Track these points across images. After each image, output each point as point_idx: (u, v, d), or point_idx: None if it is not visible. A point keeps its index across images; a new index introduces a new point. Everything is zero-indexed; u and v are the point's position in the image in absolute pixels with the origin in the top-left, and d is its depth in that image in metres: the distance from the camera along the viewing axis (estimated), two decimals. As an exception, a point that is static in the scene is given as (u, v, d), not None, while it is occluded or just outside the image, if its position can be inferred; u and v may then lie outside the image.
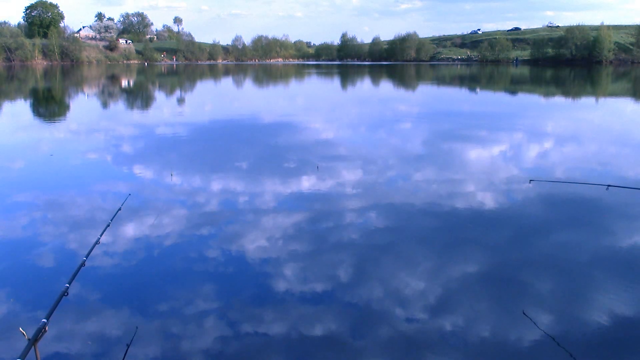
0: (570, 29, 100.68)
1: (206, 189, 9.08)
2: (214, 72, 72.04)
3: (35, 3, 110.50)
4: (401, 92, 38.90)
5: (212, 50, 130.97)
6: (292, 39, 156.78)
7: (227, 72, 74.64)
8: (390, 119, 20.12)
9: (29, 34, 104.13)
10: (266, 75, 62.01)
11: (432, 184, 9.41)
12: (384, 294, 5.16)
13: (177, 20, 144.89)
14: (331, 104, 27.42)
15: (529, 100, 30.06)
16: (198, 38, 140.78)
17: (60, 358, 4.13)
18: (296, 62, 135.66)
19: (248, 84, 47.85)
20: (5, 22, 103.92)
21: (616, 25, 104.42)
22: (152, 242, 6.53)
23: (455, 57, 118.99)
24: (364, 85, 46.43)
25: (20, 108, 25.74)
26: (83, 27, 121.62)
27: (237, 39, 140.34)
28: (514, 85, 43.18)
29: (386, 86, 45.43)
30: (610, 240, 6.69)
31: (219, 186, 9.30)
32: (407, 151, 12.88)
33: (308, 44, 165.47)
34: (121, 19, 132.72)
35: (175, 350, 4.20)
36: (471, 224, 7.25)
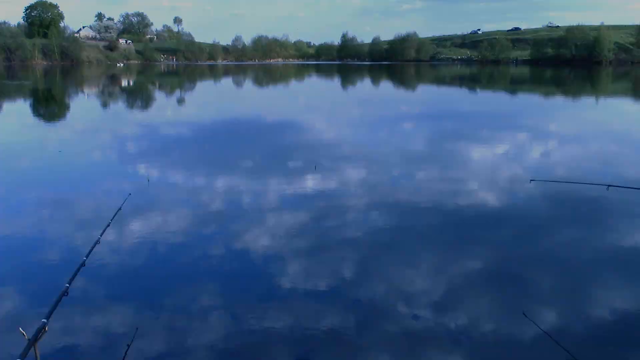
0: (570, 29, 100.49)
1: (206, 189, 9.08)
2: (213, 73, 72.04)
3: (35, 3, 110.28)
4: (401, 92, 38.90)
5: (212, 51, 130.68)
6: (293, 39, 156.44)
7: (227, 72, 74.63)
8: (391, 119, 20.11)
9: (29, 34, 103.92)
10: (266, 76, 62.01)
11: (433, 184, 9.41)
12: (387, 291, 5.16)
13: (177, 21, 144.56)
14: (332, 104, 27.42)
15: (529, 101, 30.07)
16: (198, 38, 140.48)
17: (60, 358, 4.12)
18: (296, 62, 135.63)
19: (248, 84, 47.85)
20: (5, 22, 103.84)
21: (616, 25, 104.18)
22: (152, 241, 6.53)
23: (455, 57, 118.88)
24: (365, 85, 46.44)
25: (20, 108, 25.72)
26: (83, 27, 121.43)
27: (237, 39, 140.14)
28: (514, 86, 43.19)
29: (386, 86, 45.43)
30: (610, 240, 6.69)
31: (219, 185, 9.30)
32: (409, 151, 12.88)
33: (308, 44, 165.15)
34: (121, 19, 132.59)
35: (176, 350, 4.20)
36: (471, 224, 7.25)
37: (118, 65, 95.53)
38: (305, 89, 42.83)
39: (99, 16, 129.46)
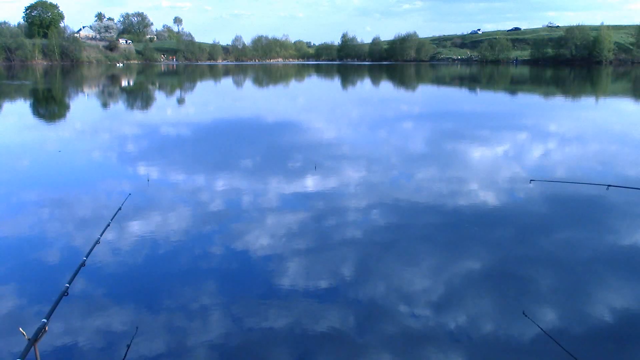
0: (570, 29, 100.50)
1: (206, 189, 9.08)
2: (213, 73, 72.04)
3: (35, 3, 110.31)
4: (401, 92, 38.89)
5: (212, 51, 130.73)
6: (293, 39, 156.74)
7: (227, 72, 74.63)
8: (392, 119, 20.12)
9: (29, 34, 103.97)
10: (266, 76, 62.02)
11: (433, 184, 9.41)
12: (387, 291, 5.16)
13: (177, 21, 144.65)
14: (332, 104, 27.41)
15: (529, 101, 30.06)
16: (198, 38, 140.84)
17: (60, 358, 4.12)
18: (296, 62, 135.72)
19: (248, 84, 47.84)
20: (5, 22, 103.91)
21: (616, 25, 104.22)
22: (151, 241, 6.53)
23: (455, 57, 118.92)
24: (365, 85, 46.43)
25: (20, 108, 25.70)
26: (83, 27, 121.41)
27: (237, 39, 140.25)
28: (514, 86, 43.18)
29: (386, 86, 45.43)
30: (610, 240, 6.68)
31: (219, 185, 9.29)
32: (409, 151, 12.88)
33: (308, 44, 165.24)
34: (121, 19, 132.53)
35: (176, 350, 4.20)
36: (471, 224, 7.24)
37: (117, 65, 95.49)
38: (305, 89, 42.83)
39: (99, 16, 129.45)
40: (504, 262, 6.01)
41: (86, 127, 17.64)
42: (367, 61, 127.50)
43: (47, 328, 2.77)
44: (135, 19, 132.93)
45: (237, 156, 12.12)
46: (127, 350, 4.13)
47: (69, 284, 3.26)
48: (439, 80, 51.40)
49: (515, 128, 17.09)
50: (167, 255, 6.17)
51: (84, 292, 5.12)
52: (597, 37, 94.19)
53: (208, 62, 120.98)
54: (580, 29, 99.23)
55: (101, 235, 4.25)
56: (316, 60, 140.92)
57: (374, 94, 37.17)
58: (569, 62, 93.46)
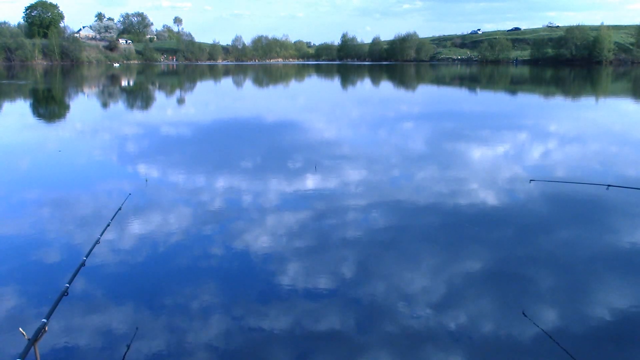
0: (570, 29, 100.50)
1: (206, 189, 9.08)
2: (213, 73, 72.02)
3: (35, 3, 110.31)
4: (401, 92, 38.88)
5: (212, 51, 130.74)
6: (293, 39, 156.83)
7: (227, 72, 74.60)
8: (392, 119, 20.12)
9: (29, 34, 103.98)
10: (266, 76, 62.00)
11: (433, 184, 9.41)
12: (387, 291, 5.16)
13: (177, 20, 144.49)
14: (332, 104, 27.41)
15: (529, 101, 30.06)
16: (198, 38, 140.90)
17: (60, 358, 4.12)
18: (296, 62, 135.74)
19: (248, 84, 47.84)
20: (5, 22, 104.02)
21: (616, 25, 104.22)
22: (152, 241, 6.53)
23: (455, 57, 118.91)
24: (365, 85, 46.42)
25: (20, 108, 25.70)
26: (83, 27, 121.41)
27: (237, 39, 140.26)
28: (514, 86, 43.17)
29: (386, 86, 45.41)
30: (610, 240, 6.68)
31: (219, 185, 9.29)
32: (409, 151, 12.88)
33: (308, 44, 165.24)
34: (121, 19, 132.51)
35: (176, 350, 4.20)
36: (471, 224, 7.25)
37: (114, 65, 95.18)
38: (305, 89, 42.83)
39: (99, 16, 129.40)
40: (504, 262, 6.01)
41: (86, 127, 17.64)
42: (367, 61, 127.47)
43: (47, 328, 2.78)
44: (135, 19, 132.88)
45: (237, 156, 12.12)
46: (127, 350, 4.13)
47: (69, 284, 3.26)
48: (439, 80, 51.40)
49: (515, 128, 17.09)
50: (167, 255, 6.17)
51: (84, 292, 5.12)
52: (597, 37, 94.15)
53: (208, 62, 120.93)
54: (580, 29, 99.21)
55: (101, 235, 4.25)
56: (316, 60, 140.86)
57: (374, 94, 37.17)
58: (569, 62, 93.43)
